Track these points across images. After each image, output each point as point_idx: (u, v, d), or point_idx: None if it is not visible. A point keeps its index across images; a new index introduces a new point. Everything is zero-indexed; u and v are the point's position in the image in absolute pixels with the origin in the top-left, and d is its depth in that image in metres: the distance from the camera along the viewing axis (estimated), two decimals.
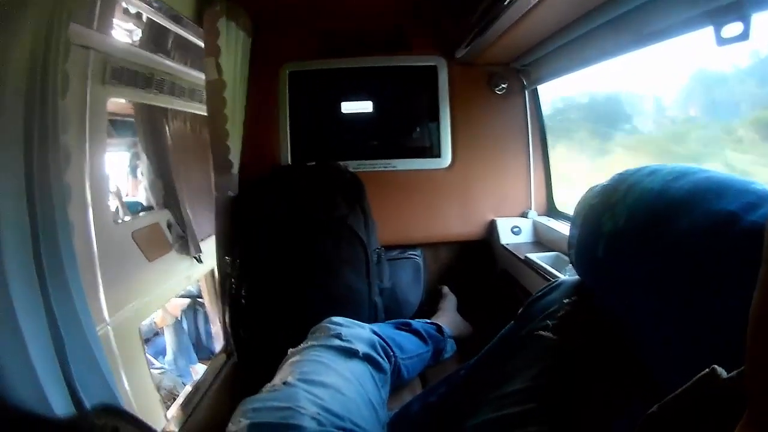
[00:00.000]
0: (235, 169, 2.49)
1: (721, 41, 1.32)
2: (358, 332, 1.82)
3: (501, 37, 2.21)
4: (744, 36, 1.27)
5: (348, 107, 2.94)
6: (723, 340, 0.79)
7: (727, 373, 0.58)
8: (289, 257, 2.34)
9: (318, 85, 2.91)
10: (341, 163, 2.70)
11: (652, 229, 0.98)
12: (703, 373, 0.61)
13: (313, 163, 2.68)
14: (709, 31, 1.36)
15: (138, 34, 3.40)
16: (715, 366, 0.60)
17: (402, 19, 2.82)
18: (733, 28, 1.29)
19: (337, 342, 1.72)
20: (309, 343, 1.74)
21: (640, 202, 1.05)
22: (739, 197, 0.87)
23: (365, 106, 2.94)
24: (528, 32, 2.18)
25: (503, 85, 2.88)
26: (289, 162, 2.85)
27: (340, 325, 1.83)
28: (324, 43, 2.87)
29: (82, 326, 1.31)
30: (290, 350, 1.73)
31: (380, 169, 2.89)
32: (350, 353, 1.69)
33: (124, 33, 3.36)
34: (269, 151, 2.84)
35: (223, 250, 2.45)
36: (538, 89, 2.88)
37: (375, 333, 1.89)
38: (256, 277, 2.36)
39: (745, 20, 1.25)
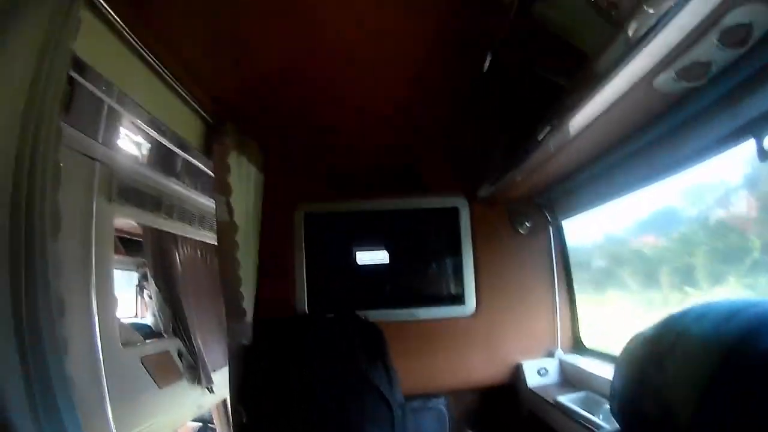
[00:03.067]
0: (249, 317, 2.38)
1: (764, 155, 1.24)
2: None
3: (527, 176, 2.16)
4: None
5: (365, 257, 2.87)
6: None
7: None
8: (308, 416, 2.20)
9: (334, 228, 2.86)
10: (361, 312, 2.59)
11: (707, 385, 0.86)
12: None
13: (331, 314, 2.58)
14: (749, 145, 1.28)
15: (147, 147, 3.31)
16: None
17: (419, 153, 2.79)
18: None
19: None
20: None
21: (690, 356, 0.94)
22: None
23: (382, 257, 2.87)
24: (556, 168, 2.12)
25: (527, 224, 2.82)
26: (306, 309, 2.75)
27: None
28: (339, 181, 2.82)
29: None
30: None
31: (401, 318, 2.78)
32: None
33: (132, 144, 3.26)
34: (285, 298, 2.74)
35: (237, 399, 2.33)
36: (562, 222, 2.80)
37: None
38: None
39: None
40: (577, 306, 2.82)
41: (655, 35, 1.05)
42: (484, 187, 2.48)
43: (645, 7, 1.00)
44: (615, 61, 1.18)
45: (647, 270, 2.42)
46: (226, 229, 2.20)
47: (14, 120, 1.04)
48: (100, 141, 2.66)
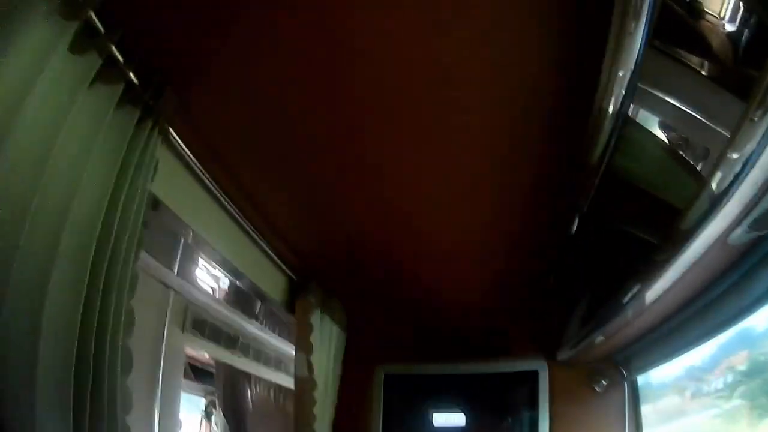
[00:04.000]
0: None
1: None
2: None
3: (607, 338, 2.17)
4: None
5: (441, 420, 2.89)
6: None
7: None
8: None
9: (413, 389, 2.93)
10: None
11: None
12: None
13: None
14: None
15: (226, 284, 3.37)
16: None
17: (500, 316, 2.82)
18: None
19: None
20: None
21: None
22: None
23: (458, 420, 2.89)
24: (634, 329, 2.11)
25: (603, 382, 2.78)
26: None
27: None
28: (420, 343, 2.89)
29: None
30: None
31: None
32: None
33: (210, 279, 3.31)
34: None
35: None
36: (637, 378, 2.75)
37: None
38: None
39: None
40: None
41: (738, 187, 1.03)
42: (564, 350, 2.50)
43: (729, 154, 0.99)
44: (698, 219, 1.18)
45: None
46: (305, 385, 2.24)
47: (86, 260, 1.01)
48: (176, 272, 2.71)
